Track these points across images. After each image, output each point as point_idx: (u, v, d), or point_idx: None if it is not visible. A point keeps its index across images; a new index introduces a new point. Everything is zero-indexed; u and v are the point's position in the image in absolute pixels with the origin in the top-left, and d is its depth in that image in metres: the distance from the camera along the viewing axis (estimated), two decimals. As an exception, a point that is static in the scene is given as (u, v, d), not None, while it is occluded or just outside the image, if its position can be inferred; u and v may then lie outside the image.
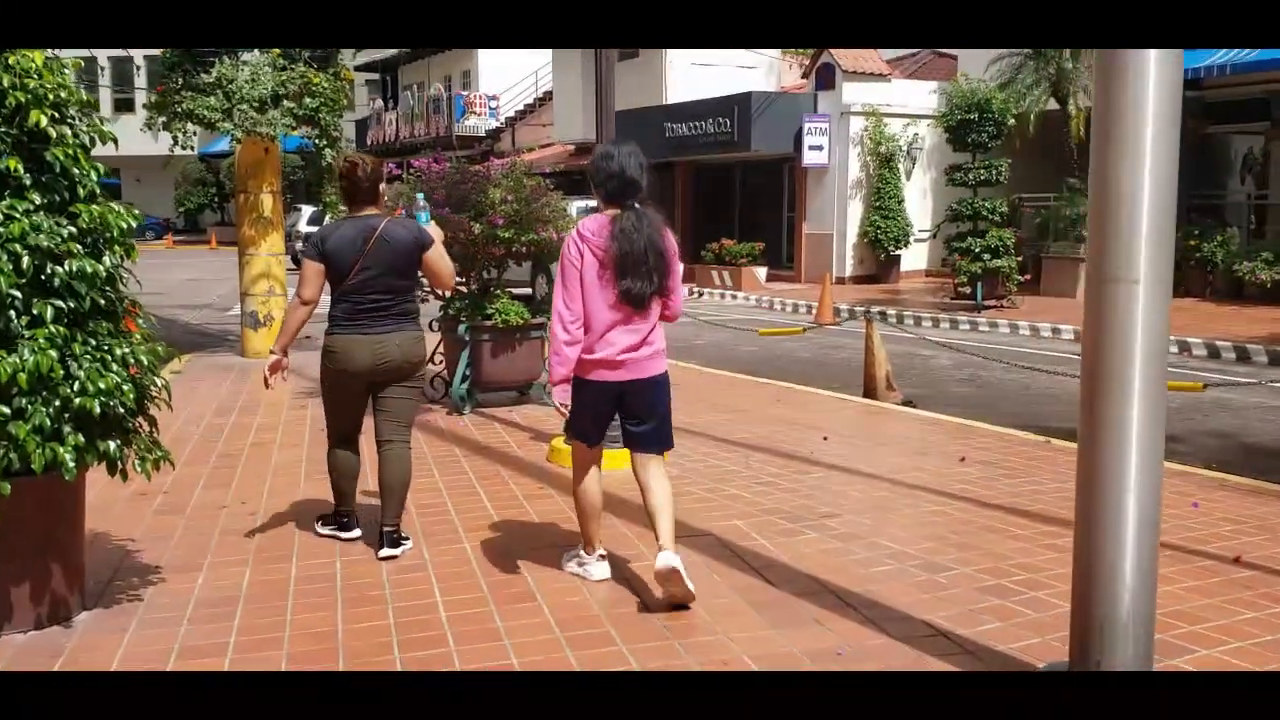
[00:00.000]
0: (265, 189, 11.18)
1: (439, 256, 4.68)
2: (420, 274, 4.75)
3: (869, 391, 9.11)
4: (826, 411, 8.33)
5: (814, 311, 17.75)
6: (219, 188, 45.87)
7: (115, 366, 3.73)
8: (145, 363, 3.89)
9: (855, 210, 21.91)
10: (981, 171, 16.56)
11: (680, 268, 4.16)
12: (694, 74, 25.13)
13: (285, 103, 10.53)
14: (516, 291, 8.89)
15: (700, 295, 21.44)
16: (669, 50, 25.26)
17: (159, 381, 4.01)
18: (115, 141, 4.02)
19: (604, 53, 6.50)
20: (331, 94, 10.80)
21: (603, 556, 4.38)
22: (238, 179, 11.42)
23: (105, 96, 47.25)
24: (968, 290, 16.83)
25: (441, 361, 8.54)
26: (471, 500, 5.63)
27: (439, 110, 36.82)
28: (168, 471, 4.42)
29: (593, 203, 4.33)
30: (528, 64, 34.61)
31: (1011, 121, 16.75)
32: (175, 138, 10.71)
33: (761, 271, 22.12)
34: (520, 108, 35.89)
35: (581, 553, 4.40)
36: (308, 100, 10.60)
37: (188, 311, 17.33)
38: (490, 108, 36.04)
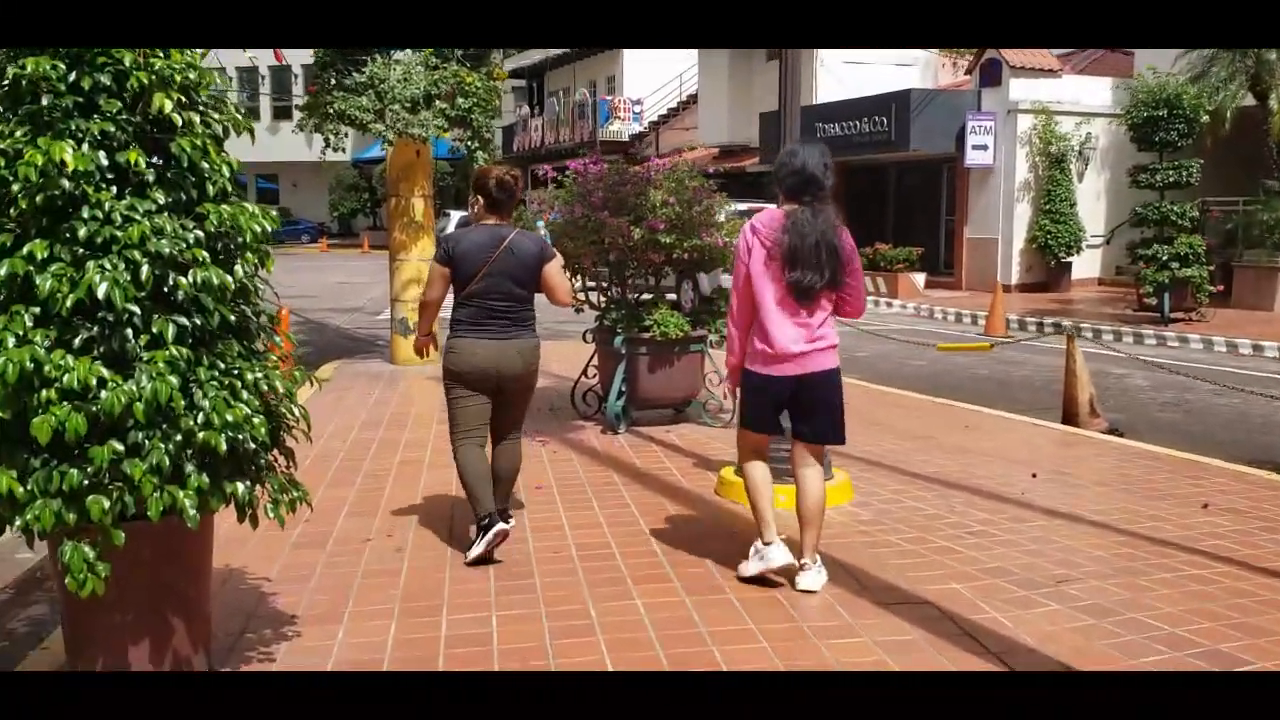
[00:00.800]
0: (417, 193, 10.83)
1: (557, 271, 4.82)
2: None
3: (1069, 416, 8.13)
4: (1023, 440, 7.41)
5: (983, 322, 16.64)
6: (371, 193, 46.89)
7: (246, 394, 3.19)
8: (281, 389, 3.35)
9: (1022, 214, 20.58)
10: (1170, 173, 15.15)
11: (858, 268, 4.20)
12: (845, 72, 24.16)
13: (437, 103, 10.14)
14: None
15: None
16: (819, 49, 24.38)
17: (296, 411, 3.47)
18: (251, 133, 3.51)
19: (787, 53, 5.76)
20: (484, 94, 10.37)
21: (780, 540, 4.29)
22: (389, 183, 11.12)
23: (265, 104, 48.90)
24: (1153, 301, 15.43)
25: (595, 375, 7.95)
26: (637, 542, 4.98)
27: (584, 115, 36.67)
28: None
29: (742, 206, 4.32)
30: (672, 68, 34.10)
31: (1205, 119, 15.28)
32: (327, 140, 10.44)
33: (919, 278, 20.98)
34: (664, 111, 35.37)
35: (758, 543, 4.32)
36: (460, 101, 10.19)
37: (338, 315, 17.27)
38: (634, 112, 35.69)
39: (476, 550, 4.59)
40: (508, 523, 4.72)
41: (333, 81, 10.16)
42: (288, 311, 9.94)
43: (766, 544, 4.27)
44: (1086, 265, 20.75)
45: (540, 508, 5.59)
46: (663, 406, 7.66)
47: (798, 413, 4.22)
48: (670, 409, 7.72)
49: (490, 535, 4.56)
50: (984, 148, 20.60)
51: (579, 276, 7.71)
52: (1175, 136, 15.12)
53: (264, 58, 40.07)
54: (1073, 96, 20.70)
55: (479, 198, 4.75)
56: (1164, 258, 15.12)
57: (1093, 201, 20.67)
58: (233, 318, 3.21)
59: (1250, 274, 16.74)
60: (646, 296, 7.75)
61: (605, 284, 7.83)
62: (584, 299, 7.84)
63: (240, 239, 3.25)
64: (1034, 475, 6.24)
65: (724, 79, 27.61)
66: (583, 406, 7.93)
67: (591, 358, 7.97)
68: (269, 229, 3.31)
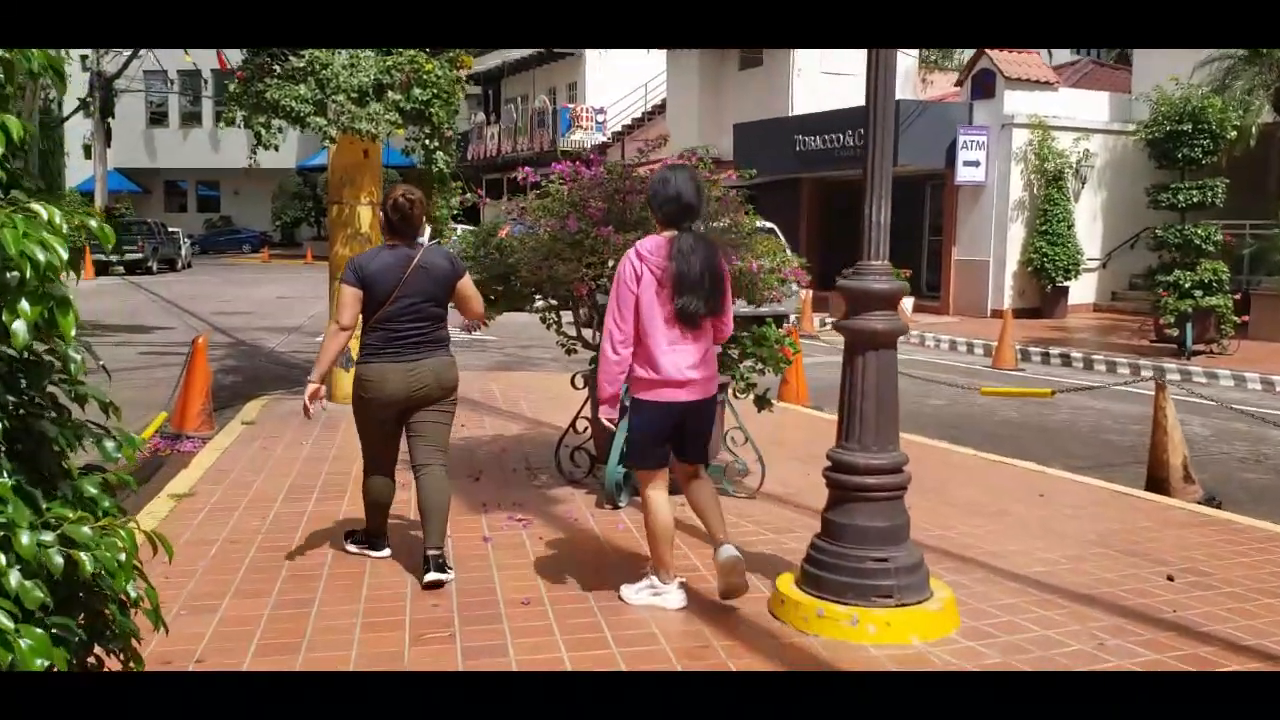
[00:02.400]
0: (363, 199, 9.20)
1: (470, 284, 4.82)
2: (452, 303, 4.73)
3: (1156, 482, 6.72)
4: (1119, 518, 5.96)
5: (983, 351, 15.33)
6: (316, 201, 44.86)
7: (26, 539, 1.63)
8: (97, 559, 1.77)
9: (1016, 234, 19.36)
10: (1194, 193, 13.94)
11: (729, 292, 4.24)
12: (822, 83, 22.90)
13: (390, 94, 8.53)
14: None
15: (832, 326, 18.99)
16: (796, 56, 23.09)
17: (132, 590, 1.91)
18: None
19: (881, 53, 4.22)
20: (446, 85, 8.78)
21: (682, 583, 4.33)
22: (330, 187, 9.49)
23: (207, 108, 46.80)
24: (1174, 332, 14.18)
25: (586, 429, 6.40)
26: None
27: (543, 124, 35.15)
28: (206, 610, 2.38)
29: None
30: (637, 76, 32.74)
31: (1232, 134, 14.08)
32: (258, 135, 8.78)
33: (908, 303, 19.62)
34: (628, 121, 33.94)
35: (655, 579, 4.31)
36: (417, 91, 8.58)
37: (274, 336, 15.49)
38: (597, 121, 34.20)
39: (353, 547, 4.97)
40: (444, 572, 4.54)
41: (265, 67, 8.53)
42: (205, 339, 8.29)
43: (665, 584, 4.28)
44: (1082, 290, 19.58)
45: (529, 633, 4.03)
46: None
47: (682, 437, 4.23)
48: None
49: (429, 578, 4.48)
50: (976, 164, 19.37)
51: (570, 309, 6.17)
52: (1199, 153, 13.91)
53: (205, 60, 38.18)
54: (1068, 111, 19.55)
55: (393, 224, 4.64)
56: (1186, 285, 13.88)
57: (1089, 222, 19.52)
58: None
59: (1270, 302, 15.58)
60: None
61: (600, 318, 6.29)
62: (574, 337, 6.29)
63: (12, 273, 1.66)
64: (1170, 578, 4.79)
65: (694, 88, 26.21)
66: (570, 468, 6.37)
67: (582, 408, 6.41)
68: (64, 256, 1.72)
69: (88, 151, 40.62)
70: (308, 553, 5.02)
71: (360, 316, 4.55)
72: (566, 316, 6.36)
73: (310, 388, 4.56)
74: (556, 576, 4.70)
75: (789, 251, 6.14)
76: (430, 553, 4.52)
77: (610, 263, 5.50)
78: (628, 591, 4.33)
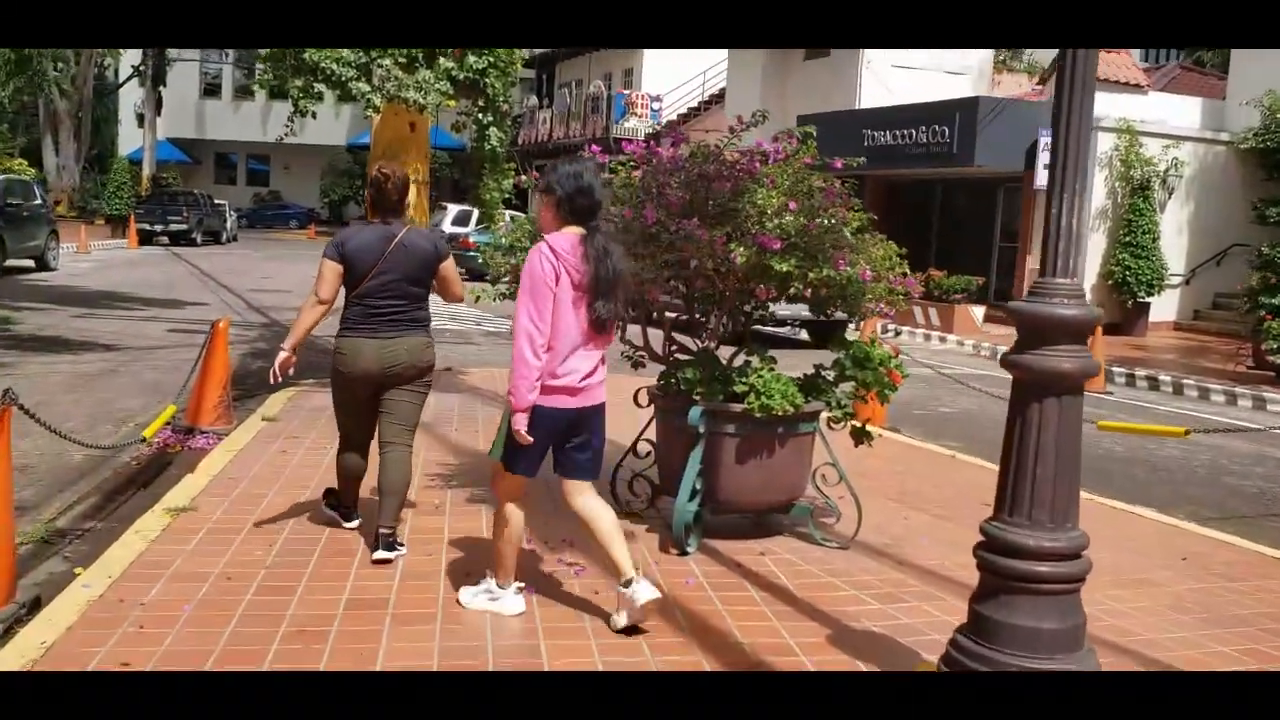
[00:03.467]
0: (411, 177, 8.35)
1: (452, 266, 4.81)
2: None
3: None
4: (1284, 592, 4.98)
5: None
6: (365, 179, 44.33)
7: None
8: None
9: (1097, 245, 18.19)
10: (1309, 207, 12.78)
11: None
12: (893, 77, 21.82)
13: (441, 61, 7.69)
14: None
15: (898, 334, 17.93)
16: (866, 50, 22.02)
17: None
18: None
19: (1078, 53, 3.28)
20: (504, 54, 7.92)
21: (520, 588, 4.12)
22: (371, 163, 8.65)
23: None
24: (1278, 360, 13.03)
25: (649, 454, 5.50)
26: None
27: (597, 110, 34.27)
28: None
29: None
30: (695, 64, 31.73)
31: (1352, 144, 12.89)
32: (295, 102, 7.96)
33: (979, 311, 18.56)
34: (684, 110, 32.95)
35: (493, 584, 4.12)
36: (472, 59, 7.74)
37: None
38: (653, 109, 33.25)
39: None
40: (392, 550, 4.58)
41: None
42: (226, 323, 7.50)
43: (501, 587, 4.11)
44: (1163, 307, 18.37)
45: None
46: (754, 511, 5.21)
47: (571, 445, 4.00)
48: (762, 514, 5.26)
49: (376, 555, 4.55)
50: (1056, 167, 18.20)
51: (635, 314, 5.27)
52: (1316, 165, 12.75)
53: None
54: (1157, 116, 18.36)
55: (374, 200, 4.72)
56: (1295, 309, 12.74)
57: (1173, 235, 18.31)
58: None
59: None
60: (752, 357, 5.28)
61: (672, 324, 5.39)
62: (640, 347, 5.40)
63: None
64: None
65: (755, 78, 25.17)
66: (628, 497, 5.48)
67: (645, 429, 5.52)
68: None
69: (141, 120, 40.34)
70: (317, 597, 4.17)
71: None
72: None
73: (281, 356, 4.58)
74: (618, 651, 3.80)
75: (897, 256, 5.19)
76: (382, 531, 4.56)
77: (694, 263, 4.59)
78: (465, 595, 4.17)
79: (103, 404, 8.33)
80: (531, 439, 3.81)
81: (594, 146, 5.53)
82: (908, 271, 5.24)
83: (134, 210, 31.95)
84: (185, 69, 45.31)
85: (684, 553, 4.81)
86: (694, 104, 32.86)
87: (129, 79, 43.65)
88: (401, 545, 4.67)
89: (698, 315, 5.35)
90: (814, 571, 4.74)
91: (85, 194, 39.87)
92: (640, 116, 32.90)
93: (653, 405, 5.31)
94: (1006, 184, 19.51)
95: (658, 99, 33.13)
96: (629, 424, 6.06)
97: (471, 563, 4.58)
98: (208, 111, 49.71)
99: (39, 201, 20.70)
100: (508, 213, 10.99)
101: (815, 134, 5.12)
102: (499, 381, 9.69)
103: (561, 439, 3.95)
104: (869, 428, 5.28)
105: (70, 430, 7.46)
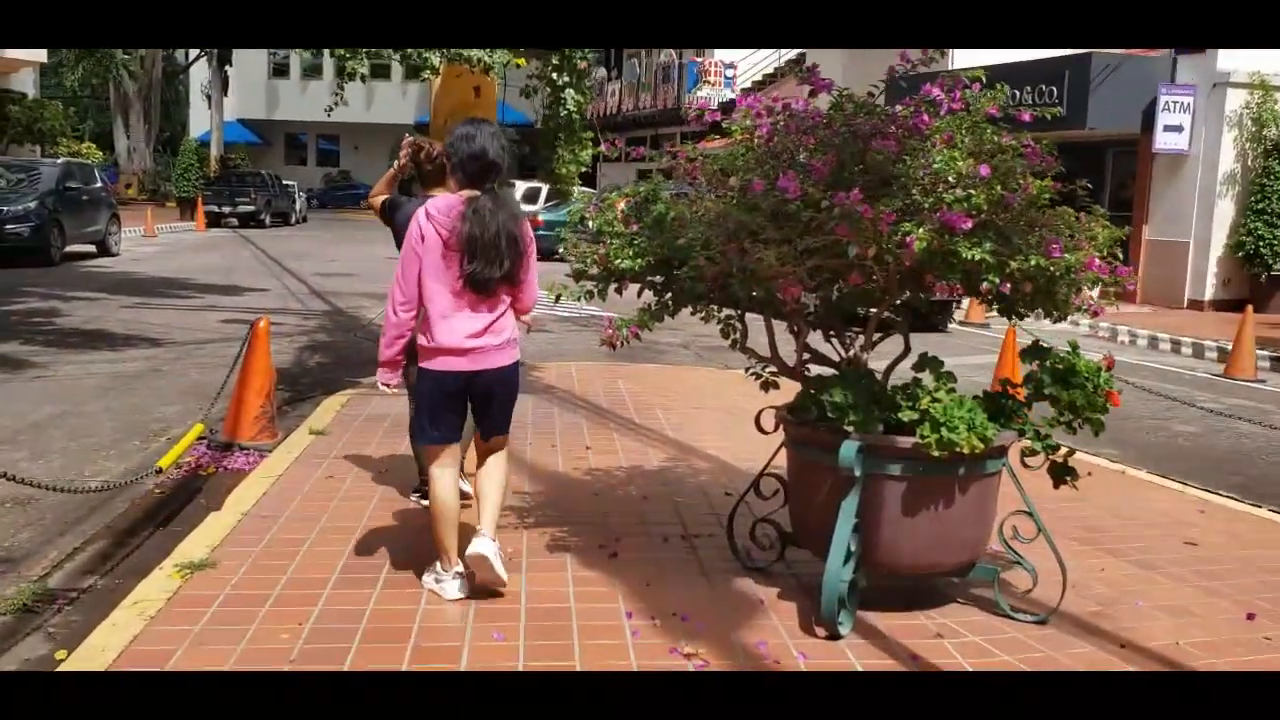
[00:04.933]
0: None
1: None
2: None
3: None
4: None
5: (1208, 351, 12.79)
6: (430, 156, 43.50)
7: None
8: None
9: (1224, 213, 16.57)
10: None
11: (533, 261, 3.94)
12: (989, 36, 20.16)
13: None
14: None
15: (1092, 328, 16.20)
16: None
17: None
18: None
19: None
20: (580, 3, 6.76)
21: (460, 573, 3.95)
22: (433, 134, 7.58)
23: (327, 62, 45.72)
24: None
25: (776, 492, 4.34)
26: None
27: (668, 79, 32.93)
28: None
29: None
30: (771, 29, 30.20)
31: None
32: (341, 65, 6.90)
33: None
34: (759, 77, 31.48)
35: (438, 566, 4.01)
36: (544, 9, 6.58)
37: (376, 304, 13.65)
38: (726, 76, 31.81)
39: None
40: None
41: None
42: (266, 324, 6.50)
43: (444, 570, 3.98)
44: (1297, 280, 16.69)
45: None
46: (919, 575, 4.01)
47: (472, 411, 3.99)
48: (929, 577, 4.07)
49: None
50: (1179, 129, 16.61)
51: (764, 317, 4.10)
52: None
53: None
54: (1294, 69, 16.61)
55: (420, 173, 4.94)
56: None
57: (1312, 201, 16.58)
58: None
59: None
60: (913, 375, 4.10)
61: (806, 331, 4.21)
62: (768, 358, 4.23)
63: None
64: None
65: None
66: (749, 547, 4.34)
67: (770, 461, 4.36)
68: None
69: (210, 101, 40.02)
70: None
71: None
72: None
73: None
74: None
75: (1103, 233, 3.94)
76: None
77: (852, 251, 3.40)
78: (429, 581, 4.06)
79: (136, 411, 7.41)
80: (392, 391, 3.96)
81: (702, 100, 4.33)
82: (1120, 255, 4.00)
83: (202, 192, 31.48)
84: (254, 49, 44.90)
85: (836, 636, 3.65)
86: (769, 70, 31.38)
87: (195, 60, 43.37)
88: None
89: (854, 320, 4.17)
90: (1014, 663, 3.55)
91: (156, 177, 39.68)
92: (714, 85, 31.50)
93: (775, 432, 4.15)
94: (1117, 147, 17.92)
95: (731, 66, 31.70)
96: (745, 450, 4.95)
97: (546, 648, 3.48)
98: (277, 91, 49.40)
99: (99, 185, 20.07)
100: (580, 189, 9.80)
101: (889, 101, 3.93)
102: (577, 380, 8.59)
103: (462, 402, 3.93)
104: (1071, 465, 4.03)
105: (94, 446, 6.60)
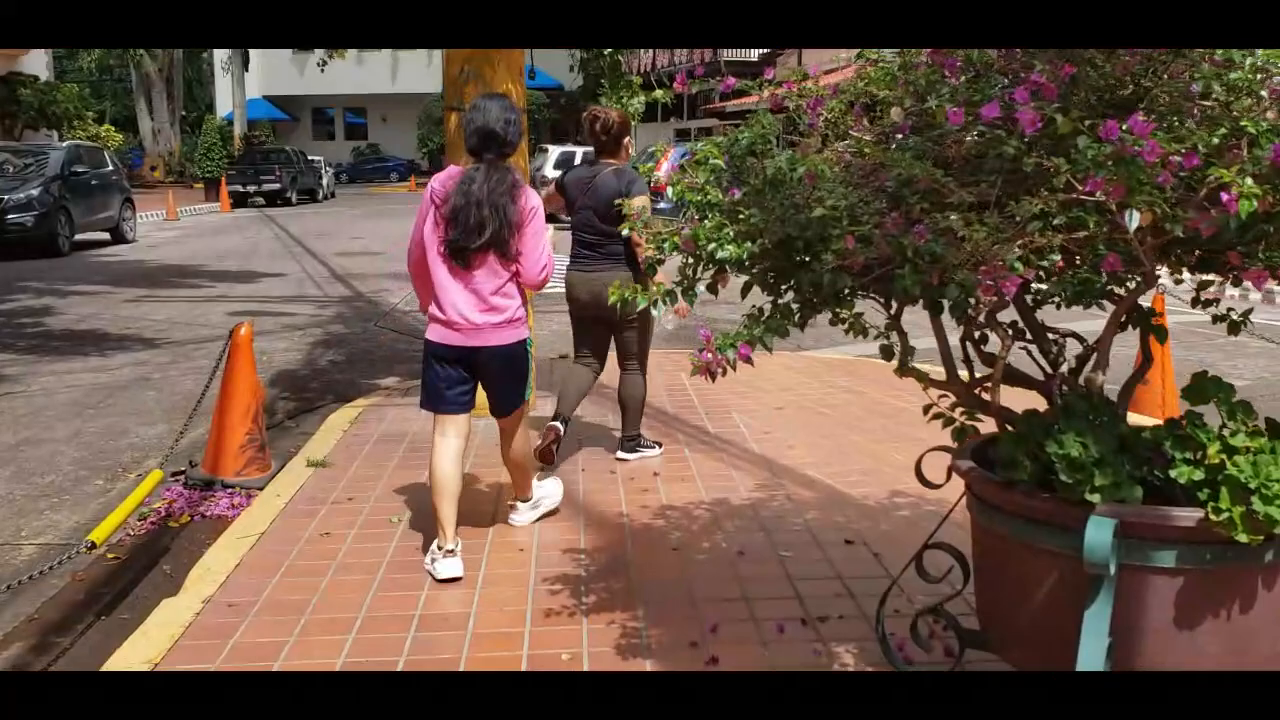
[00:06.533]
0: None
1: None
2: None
3: None
4: None
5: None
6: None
7: None
8: None
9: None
10: None
11: (536, 232, 3.84)
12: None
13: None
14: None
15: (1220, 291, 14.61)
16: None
17: None
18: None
19: None
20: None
21: (451, 552, 3.81)
22: (446, 87, 6.24)
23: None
24: None
25: (951, 571, 2.99)
26: None
27: (706, 31, 31.34)
28: None
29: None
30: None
31: None
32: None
33: None
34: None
35: (434, 546, 3.92)
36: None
37: (401, 286, 12.21)
38: (766, 28, 30.16)
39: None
40: (634, 451, 5.21)
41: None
42: (249, 330, 5.23)
43: (439, 548, 3.85)
44: None
45: None
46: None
47: (483, 386, 4.00)
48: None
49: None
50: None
51: (934, 322, 2.75)
52: None
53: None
54: None
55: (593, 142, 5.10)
56: None
57: None
58: None
59: None
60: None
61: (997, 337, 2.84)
62: (947, 384, 2.87)
63: None
64: None
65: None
66: (913, 653, 3.01)
67: (942, 522, 3.02)
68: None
69: (233, 77, 38.94)
70: None
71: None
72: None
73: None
74: None
75: None
76: (625, 436, 5.26)
77: (1135, 220, 2.03)
78: (426, 558, 3.95)
79: (109, 436, 6.19)
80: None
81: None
82: None
83: (225, 172, 30.37)
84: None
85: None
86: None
87: (217, 36, 42.21)
88: (650, 446, 5.29)
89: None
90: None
91: (182, 158, 38.66)
92: (753, 37, 29.87)
93: (966, 490, 2.79)
94: None
95: (772, 16, 30.05)
96: (848, 464, 3.65)
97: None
98: (303, 66, 48.26)
99: (110, 168, 18.92)
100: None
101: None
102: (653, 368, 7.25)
103: (455, 375, 3.90)
104: None
105: (43, 492, 5.25)
